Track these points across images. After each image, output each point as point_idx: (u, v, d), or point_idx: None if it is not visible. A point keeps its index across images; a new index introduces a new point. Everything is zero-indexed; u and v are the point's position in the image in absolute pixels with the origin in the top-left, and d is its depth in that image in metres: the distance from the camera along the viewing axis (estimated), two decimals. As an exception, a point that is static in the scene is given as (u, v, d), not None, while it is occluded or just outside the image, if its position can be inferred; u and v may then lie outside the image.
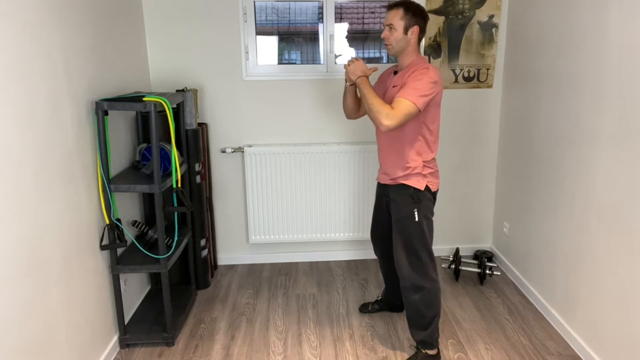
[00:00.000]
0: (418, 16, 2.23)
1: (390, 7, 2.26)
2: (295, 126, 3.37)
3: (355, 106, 2.51)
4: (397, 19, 2.21)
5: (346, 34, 3.38)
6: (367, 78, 2.24)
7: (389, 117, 2.08)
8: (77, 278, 2.15)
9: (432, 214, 2.38)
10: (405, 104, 2.10)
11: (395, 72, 2.36)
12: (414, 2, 2.26)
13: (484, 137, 3.48)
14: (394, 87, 2.28)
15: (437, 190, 2.39)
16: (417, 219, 2.30)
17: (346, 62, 2.31)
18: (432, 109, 2.24)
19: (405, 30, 2.22)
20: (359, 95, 2.36)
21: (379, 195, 2.58)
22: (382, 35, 2.28)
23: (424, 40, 3.27)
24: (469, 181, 3.55)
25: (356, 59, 2.29)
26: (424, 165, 2.31)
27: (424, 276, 2.32)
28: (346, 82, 2.38)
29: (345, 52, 3.38)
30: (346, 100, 2.49)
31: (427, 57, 3.29)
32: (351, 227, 3.48)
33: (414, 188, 2.30)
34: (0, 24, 1.65)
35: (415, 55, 2.28)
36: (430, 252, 2.34)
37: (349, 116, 2.57)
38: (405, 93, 2.12)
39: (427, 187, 2.31)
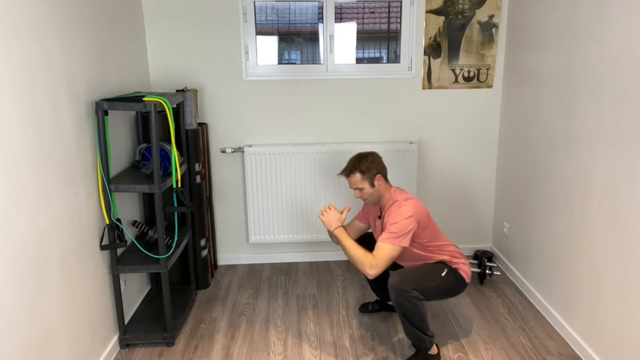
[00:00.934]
0: (373, 167, 2.38)
1: (347, 175, 2.42)
2: (295, 126, 3.37)
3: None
4: (359, 181, 2.38)
5: (349, 34, 3.38)
6: (343, 227, 2.37)
7: (372, 267, 2.21)
8: (77, 278, 2.15)
9: (449, 295, 2.46)
10: (386, 250, 2.24)
11: (380, 217, 2.48)
12: (362, 160, 2.39)
13: (484, 137, 3.48)
14: (382, 230, 2.36)
15: (467, 283, 2.46)
16: (443, 274, 2.37)
17: (319, 213, 2.44)
18: (422, 233, 2.36)
19: (372, 184, 2.38)
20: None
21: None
22: (356, 197, 2.43)
23: (423, 40, 3.28)
24: (469, 181, 3.55)
25: (328, 207, 2.41)
26: (452, 262, 2.43)
27: (411, 289, 2.27)
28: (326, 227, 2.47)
29: (348, 56, 3.38)
30: (332, 238, 2.51)
31: (427, 57, 3.29)
32: (351, 227, 3.48)
33: (449, 265, 2.42)
34: (1, 25, 1.65)
35: (388, 193, 2.42)
36: (424, 295, 2.30)
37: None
38: (385, 237, 2.26)
39: (457, 271, 2.41)
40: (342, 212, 2.42)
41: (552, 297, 2.77)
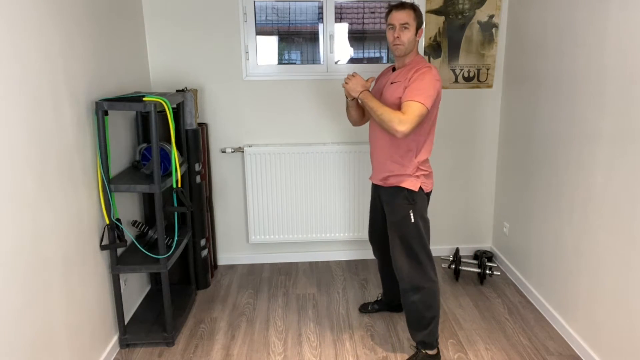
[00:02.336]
0: (421, 18, 2.29)
1: (400, 8, 2.26)
2: (295, 126, 3.37)
3: (360, 116, 2.53)
4: (411, 19, 2.23)
5: (347, 34, 3.38)
6: (369, 91, 2.26)
7: (402, 122, 2.09)
8: (77, 278, 2.15)
9: (426, 213, 2.38)
10: (415, 107, 2.11)
11: (394, 69, 2.37)
12: (416, 5, 2.31)
13: (484, 137, 3.48)
14: (392, 83, 2.28)
15: (431, 191, 2.40)
16: (413, 220, 2.30)
17: (344, 81, 2.32)
18: (431, 110, 2.24)
19: (416, 31, 2.26)
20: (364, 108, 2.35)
21: (374, 196, 2.59)
22: (395, 35, 2.25)
23: (423, 39, 3.28)
24: (469, 181, 3.55)
25: (352, 75, 2.30)
26: (418, 168, 2.31)
27: (424, 277, 2.32)
28: (347, 97, 2.38)
29: (343, 55, 3.38)
30: (350, 113, 2.50)
31: (427, 57, 3.30)
32: (351, 227, 3.48)
33: (408, 189, 2.30)
34: (1, 25, 1.65)
35: (415, 55, 2.31)
36: (428, 253, 2.34)
37: (356, 124, 2.58)
38: (412, 95, 2.13)
39: (420, 188, 2.31)
40: (367, 80, 2.29)
41: (552, 297, 2.77)
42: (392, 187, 2.34)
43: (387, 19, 2.29)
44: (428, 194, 2.38)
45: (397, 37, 2.24)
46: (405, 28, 2.23)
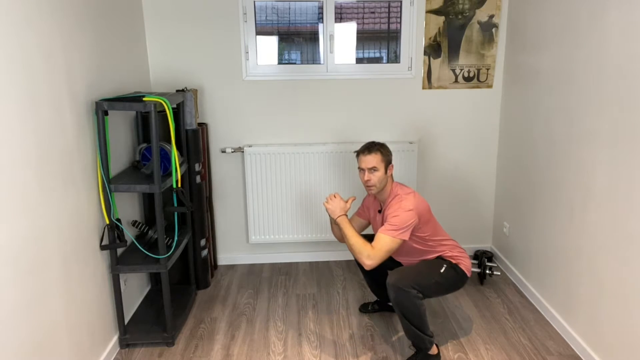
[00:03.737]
0: (389, 155, 2.44)
1: (367, 152, 2.39)
2: (295, 126, 3.37)
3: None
4: (379, 161, 2.37)
5: (351, 34, 3.38)
6: (347, 216, 2.38)
7: (370, 257, 2.22)
8: (77, 278, 2.15)
9: (450, 290, 2.46)
10: (385, 241, 2.25)
11: (380, 211, 2.49)
12: (383, 145, 2.44)
13: (484, 137, 3.48)
14: (383, 223, 2.37)
15: (466, 277, 2.45)
16: (442, 271, 2.37)
17: (325, 200, 2.44)
18: (422, 227, 2.37)
19: (385, 171, 2.39)
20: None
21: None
22: (365, 179, 2.39)
23: (423, 40, 3.28)
24: (469, 181, 3.55)
25: (334, 195, 2.41)
26: (452, 255, 2.44)
27: (409, 288, 2.26)
28: (329, 215, 2.46)
29: (347, 56, 3.38)
30: (334, 229, 2.60)
31: (427, 57, 3.29)
32: (351, 227, 3.48)
33: (448, 260, 2.44)
34: (2, 25, 1.65)
35: (391, 187, 2.43)
36: (423, 293, 2.30)
37: (341, 241, 2.60)
38: (385, 229, 2.28)
39: (458, 265, 2.41)
40: (346, 202, 2.42)
41: (552, 297, 2.77)
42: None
43: (357, 159, 2.44)
44: (464, 277, 2.44)
45: (368, 180, 2.38)
46: (375, 170, 2.37)
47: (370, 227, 2.69)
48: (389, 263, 2.62)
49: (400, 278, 2.28)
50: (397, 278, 2.28)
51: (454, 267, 2.41)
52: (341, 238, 2.58)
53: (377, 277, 2.68)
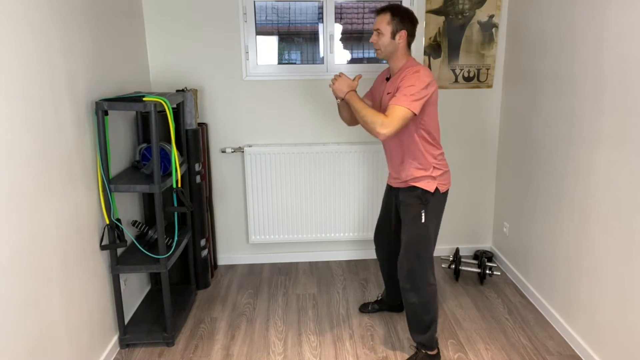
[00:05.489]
0: (405, 20, 2.25)
1: (378, 12, 2.29)
2: (295, 126, 3.37)
3: (353, 116, 2.51)
4: (384, 23, 2.24)
5: (340, 35, 3.38)
6: (355, 91, 2.26)
7: (383, 125, 2.09)
8: (77, 278, 2.15)
9: (442, 213, 2.40)
10: (399, 110, 2.11)
11: (388, 79, 2.38)
12: (401, 7, 2.28)
13: (484, 137, 3.48)
14: (387, 94, 2.29)
15: (448, 190, 2.40)
16: (423, 220, 2.31)
17: (330, 82, 2.32)
18: (428, 109, 2.24)
19: (393, 35, 2.24)
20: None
21: (389, 198, 2.58)
22: (371, 40, 2.30)
23: (423, 40, 3.27)
24: (469, 181, 3.55)
25: (339, 75, 2.30)
26: (434, 167, 2.31)
27: (422, 278, 2.33)
28: (336, 98, 2.37)
29: (344, 56, 3.38)
30: (342, 113, 2.51)
31: (427, 57, 3.30)
32: (351, 227, 3.48)
33: (423, 189, 2.30)
34: (2, 25, 1.65)
35: (406, 59, 2.29)
36: (430, 256, 2.35)
37: (350, 124, 2.57)
38: (398, 99, 2.13)
39: (436, 189, 2.32)
40: (353, 80, 2.30)
41: (552, 297, 2.77)
42: (409, 186, 2.35)
43: None
44: (445, 194, 2.38)
45: (373, 41, 2.28)
46: (379, 33, 2.25)
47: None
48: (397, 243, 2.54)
49: (408, 270, 2.30)
50: (406, 272, 2.31)
51: (430, 200, 2.30)
52: (349, 120, 2.51)
53: (394, 271, 2.58)
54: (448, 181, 2.39)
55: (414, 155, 2.31)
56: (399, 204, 2.44)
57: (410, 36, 2.28)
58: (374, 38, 2.28)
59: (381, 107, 2.32)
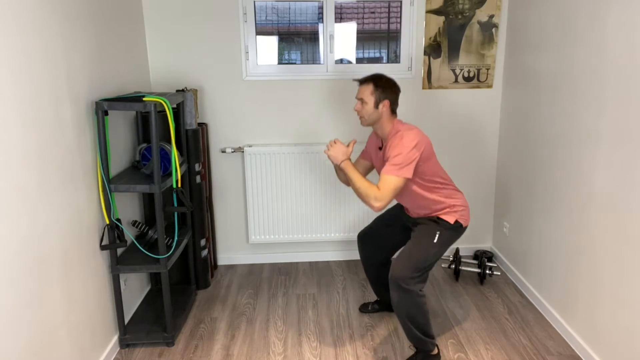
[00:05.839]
0: (387, 90, 2.32)
1: (361, 82, 2.36)
2: (295, 126, 3.37)
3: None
4: (368, 93, 2.31)
5: (353, 34, 3.38)
6: (350, 160, 2.31)
7: (377, 199, 2.17)
8: (77, 278, 2.15)
9: (450, 245, 2.43)
10: (390, 181, 2.19)
11: (380, 148, 2.45)
12: (384, 77, 2.35)
13: (484, 137, 3.48)
14: (384, 161, 2.33)
15: (466, 227, 2.45)
16: (435, 241, 2.35)
17: (325, 147, 2.37)
18: (424, 165, 2.31)
19: (376, 104, 2.31)
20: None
21: (396, 213, 2.62)
22: (355, 109, 2.37)
23: (423, 40, 3.27)
24: (469, 181, 3.54)
25: (334, 142, 2.35)
26: (451, 205, 2.39)
27: (411, 286, 2.26)
28: (332, 162, 2.41)
29: (346, 56, 3.38)
30: (340, 175, 2.56)
31: (427, 57, 3.29)
32: (351, 227, 3.48)
33: (443, 220, 2.38)
34: (3, 24, 1.65)
35: (391, 124, 2.36)
36: (424, 273, 2.32)
37: (348, 185, 2.56)
38: (387, 170, 2.21)
39: (456, 221, 2.38)
40: (348, 146, 2.35)
41: (552, 297, 2.77)
42: (429, 217, 2.43)
43: None
44: (463, 228, 2.44)
45: (357, 110, 2.35)
46: (363, 102, 2.32)
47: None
48: (390, 248, 2.64)
49: (400, 271, 2.25)
50: (398, 273, 2.25)
51: (449, 228, 2.37)
52: (347, 182, 2.53)
53: (380, 277, 2.65)
54: (468, 217, 2.45)
55: (428, 200, 2.39)
56: (413, 223, 2.49)
57: (393, 104, 2.36)
58: (357, 107, 2.36)
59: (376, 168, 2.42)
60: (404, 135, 2.25)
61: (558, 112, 2.66)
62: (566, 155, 2.58)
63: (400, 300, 2.26)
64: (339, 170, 2.46)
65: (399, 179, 2.19)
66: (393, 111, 2.36)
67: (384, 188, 2.18)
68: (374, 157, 2.54)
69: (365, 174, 2.55)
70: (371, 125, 2.40)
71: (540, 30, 2.84)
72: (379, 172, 2.44)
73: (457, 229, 2.41)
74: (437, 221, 2.39)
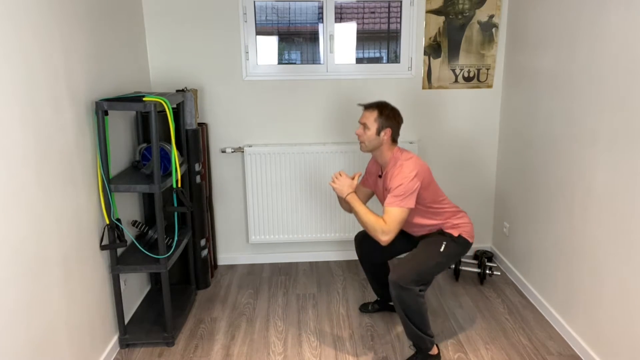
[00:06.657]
0: (391, 119, 2.36)
1: (366, 107, 2.39)
2: (295, 126, 3.37)
3: None
4: (372, 119, 2.34)
5: (353, 34, 3.38)
6: (355, 193, 2.34)
7: (384, 233, 2.21)
8: (77, 278, 2.15)
9: (455, 259, 2.48)
10: (394, 213, 2.23)
11: (380, 176, 2.47)
12: (389, 105, 2.39)
13: (484, 137, 3.48)
14: (385, 190, 2.37)
15: (471, 243, 2.48)
16: (442, 250, 2.37)
17: (330, 180, 2.41)
18: (424, 193, 2.34)
19: (378, 132, 2.34)
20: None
21: None
22: (356, 132, 2.40)
23: (423, 39, 3.27)
24: (469, 181, 3.55)
25: (339, 174, 2.38)
26: (456, 224, 2.43)
27: (411, 288, 2.25)
28: (337, 195, 2.43)
29: (347, 56, 3.38)
30: (343, 205, 2.56)
31: (427, 57, 3.29)
32: (351, 227, 3.47)
33: (447, 232, 2.43)
34: (2, 25, 1.65)
35: (391, 152, 2.39)
36: (427, 277, 2.36)
37: (350, 212, 2.58)
38: (390, 202, 2.24)
39: (460, 235, 2.42)
40: (353, 178, 2.38)
41: (552, 298, 2.77)
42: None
43: None
44: (468, 244, 2.46)
45: (358, 134, 2.40)
46: (365, 127, 2.35)
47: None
48: (388, 254, 2.66)
49: (402, 274, 2.25)
50: (399, 275, 2.25)
51: (454, 240, 2.41)
52: (350, 210, 2.55)
53: (379, 275, 2.68)
54: (472, 234, 2.47)
55: (430, 229, 2.45)
56: (417, 238, 2.52)
57: (395, 133, 2.39)
58: (359, 131, 2.38)
59: (383, 204, 2.42)
60: (404, 165, 2.30)
61: (558, 112, 2.66)
62: (566, 155, 2.58)
63: (399, 296, 2.27)
64: (342, 200, 2.47)
65: (403, 209, 2.23)
66: (394, 140, 2.40)
67: (390, 221, 2.22)
68: (374, 185, 2.58)
69: (365, 200, 2.58)
70: (371, 152, 2.42)
71: (540, 30, 2.84)
72: (379, 199, 2.50)
73: (463, 244, 2.44)
74: (443, 233, 2.44)
